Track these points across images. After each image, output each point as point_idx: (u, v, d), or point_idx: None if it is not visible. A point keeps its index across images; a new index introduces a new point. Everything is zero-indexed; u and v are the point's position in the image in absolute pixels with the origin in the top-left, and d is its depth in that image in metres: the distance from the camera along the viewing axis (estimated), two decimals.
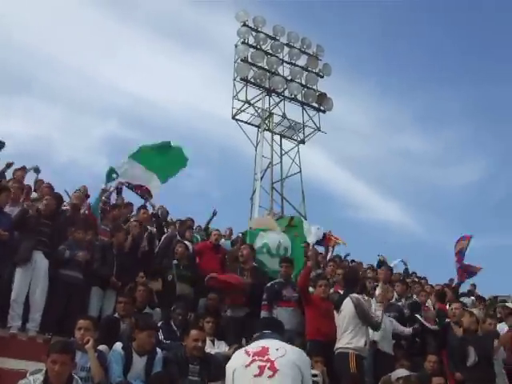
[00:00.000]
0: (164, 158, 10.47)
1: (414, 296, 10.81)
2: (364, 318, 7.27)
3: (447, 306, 10.12)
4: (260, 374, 3.74)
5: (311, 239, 10.54)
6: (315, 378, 5.92)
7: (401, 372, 7.09)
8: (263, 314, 8.09)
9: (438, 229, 54.80)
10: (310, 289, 8.62)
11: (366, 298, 7.78)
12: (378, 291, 8.16)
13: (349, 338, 7.20)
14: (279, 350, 3.89)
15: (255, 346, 4.00)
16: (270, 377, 3.71)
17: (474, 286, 15.82)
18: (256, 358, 3.83)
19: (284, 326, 4.80)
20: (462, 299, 12.74)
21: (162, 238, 10.36)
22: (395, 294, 10.50)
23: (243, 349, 4.05)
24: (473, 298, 13.46)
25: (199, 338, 6.37)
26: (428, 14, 58.23)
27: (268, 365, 3.76)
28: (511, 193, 55.73)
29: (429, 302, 10.57)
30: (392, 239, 48.19)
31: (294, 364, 3.82)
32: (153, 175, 10.33)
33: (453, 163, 58.64)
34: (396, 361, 7.92)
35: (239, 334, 8.06)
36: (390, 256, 14.98)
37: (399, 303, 10.01)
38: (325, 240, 14.05)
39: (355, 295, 7.47)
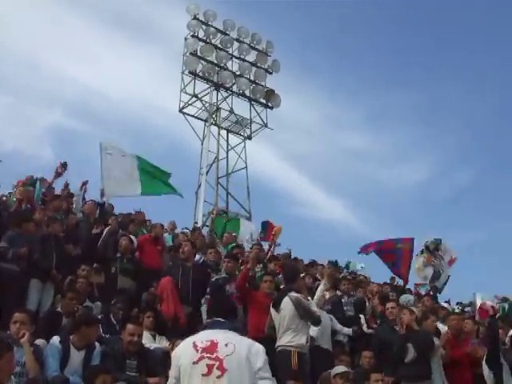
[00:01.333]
0: (156, 178, 11.44)
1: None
2: (306, 315, 7.32)
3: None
4: (208, 374, 3.70)
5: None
6: None
7: (339, 368, 7.14)
8: (204, 307, 8.09)
9: (380, 227, 55.62)
10: None
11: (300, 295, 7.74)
12: (321, 287, 8.23)
13: (291, 337, 7.19)
14: (228, 345, 3.82)
15: (204, 338, 3.90)
16: (218, 377, 3.68)
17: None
18: (204, 354, 3.77)
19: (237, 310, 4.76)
20: (405, 296, 12.95)
21: (105, 230, 10.23)
22: (338, 291, 10.65)
23: (191, 340, 3.92)
24: (411, 296, 13.63)
25: (135, 333, 6.30)
26: (383, 13, 59.02)
27: (217, 364, 3.71)
28: (454, 193, 57.04)
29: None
30: (336, 237, 48.71)
31: (243, 360, 3.78)
32: (138, 181, 10.84)
33: (398, 163, 59.72)
34: (335, 357, 7.94)
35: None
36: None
37: (342, 300, 10.13)
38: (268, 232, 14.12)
39: (294, 294, 7.48)
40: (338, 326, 8.90)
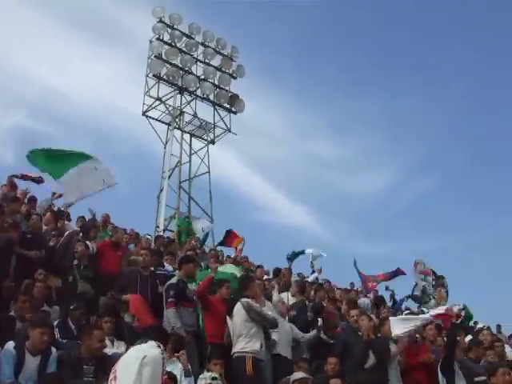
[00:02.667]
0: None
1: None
2: (259, 318, 7.35)
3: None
4: None
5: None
6: (214, 382, 5.89)
7: (298, 375, 7.16)
8: (170, 311, 7.96)
9: (343, 234, 56.04)
10: None
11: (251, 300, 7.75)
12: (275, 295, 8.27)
13: (244, 343, 7.26)
14: (125, 358, 4.24)
15: (121, 358, 4.31)
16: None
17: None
18: (112, 375, 4.15)
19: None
20: (362, 300, 13.04)
21: (65, 234, 10.08)
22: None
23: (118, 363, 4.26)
24: (368, 300, 13.70)
25: (103, 339, 6.27)
26: (349, 18, 59.49)
27: (112, 376, 4.09)
28: (415, 202, 57.67)
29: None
30: (299, 244, 48.77)
31: (131, 359, 4.11)
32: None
33: (361, 170, 60.11)
34: (295, 364, 7.95)
35: None
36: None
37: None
38: (229, 239, 14.09)
39: (245, 299, 7.53)
40: (299, 335, 8.89)
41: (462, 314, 13.24)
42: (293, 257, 15.30)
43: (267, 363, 7.90)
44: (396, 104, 58.04)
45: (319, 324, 9.11)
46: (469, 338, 10.40)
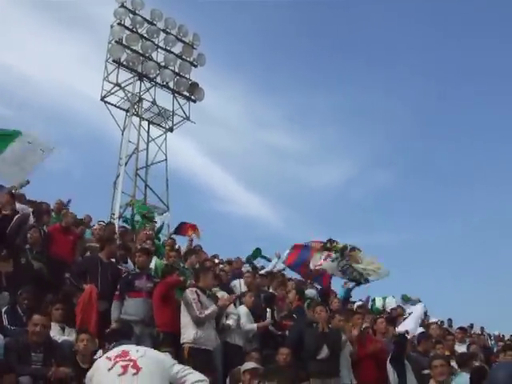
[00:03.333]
0: None
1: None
2: (187, 310, 7.39)
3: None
4: (124, 373, 3.80)
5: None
6: None
7: (249, 365, 7.15)
8: (114, 303, 7.95)
9: (298, 225, 56.34)
10: None
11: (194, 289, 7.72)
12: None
13: (184, 332, 7.36)
14: (139, 350, 4.04)
15: (115, 351, 4.05)
16: (134, 374, 3.79)
17: None
18: (118, 359, 3.90)
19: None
20: (309, 290, 13.10)
21: (15, 217, 9.87)
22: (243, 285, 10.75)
23: (104, 356, 4.09)
24: (314, 291, 13.69)
25: (39, 323, 6.13)
26: (313, 13, 59.59)
27: (131, 364, 3.85)
28: (370, 195, 58.40)
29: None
30: (255, 233, 48.99)
31: (155, 360, 4.00)
32: None
33: (317, 163, 60.61)
34: (246, 354, 7.96)
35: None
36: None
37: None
38: (182, 229, 14.00)
39: (189, 289, 7.56)
40: (249, 327, 8.89)
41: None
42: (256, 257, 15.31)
43: (217, 351, 7.96)
44: (355, 98, 58.66)
45: (268, 316, 9.12)
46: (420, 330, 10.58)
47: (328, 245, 12.03)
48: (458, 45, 58.86)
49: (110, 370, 3.86)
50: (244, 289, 10.28)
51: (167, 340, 7.43)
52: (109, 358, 3.96)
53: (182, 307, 7.53)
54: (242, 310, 8.79)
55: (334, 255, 11.85)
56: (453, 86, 58.52)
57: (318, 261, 11.89)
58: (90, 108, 51.92)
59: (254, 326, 8.77)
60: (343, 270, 11.89)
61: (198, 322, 7.38)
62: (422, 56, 58.61)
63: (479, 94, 59.66)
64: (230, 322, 8.33)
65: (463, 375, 7.58)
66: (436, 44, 58.78)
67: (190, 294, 7.52)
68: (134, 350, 4.04)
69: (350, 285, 13.35)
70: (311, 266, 12.06)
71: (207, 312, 7.42)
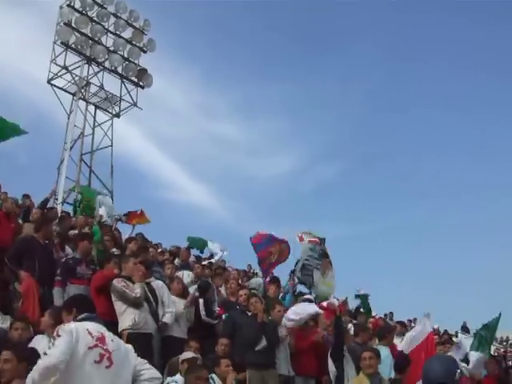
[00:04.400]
0: None
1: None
2: (122, 299, 7.39)
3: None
4: (100, 362, 4.03)
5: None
6: None
7: (187, 354, 7.17)
8: (56, 290, 7.88)
9: (245, 216, 56.57)
10: None
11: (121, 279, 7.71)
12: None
13: (121, 320, 7.36)
14: (114, 341, 4.25)
15: (95, 328, 4.19)
16: (107, 367, 4.04)
17: None
18: (98, 343, 4.07)
19: None
20: (255, 279, 13.17)
21: None
22: (192, 276, 10.75)
23: (85, 327, 4.15)
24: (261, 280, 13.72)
25: None
26: (265, 4, 59.57)
27: (107, 355, 4.07)
28: (318, 186, 58.93)
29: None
30: (200, 222, 48.94)
31: (126, 356, 4.25)
32: None
33: (266, 154, 60.83)
34: (185, 343, 7.96)
35: None
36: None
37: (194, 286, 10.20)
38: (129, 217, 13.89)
39: (115, 280, 7.56)
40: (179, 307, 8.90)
41: (349, 306, 13.62)
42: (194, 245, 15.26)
43: (156, 343, 7.96)
44: (305, 90, 59.02)
45: (200, 305, 9.13)
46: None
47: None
48: (415, 34, 59.61)
49: (90, 348, 4.00)
50: (189, 280, 10.29)
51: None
52: (90, 333, 4.08)
53: (114, 298, 7.48)
54: (171, 297, 8.67)
55: (316, 247, 11.99)
56: (405, 77, 59.40)
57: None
58: (36, 90, 50.78)
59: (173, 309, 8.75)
60: (307, 265, 12.01)
61: (138, 304, 7.37)
62: (374, 54, 59.31)
63: (430, 84, 60.71)
64: (166, 319, 8.27)
65: (382, 349, 7.83)
66: (387, 44, 59.51)
67: (117, 283, 7.47)
68: (110, 339, 4.19)
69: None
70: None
71: (138, 291, 7.39)
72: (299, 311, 9.00)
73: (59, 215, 12.72)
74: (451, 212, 58.32)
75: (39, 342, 6.17)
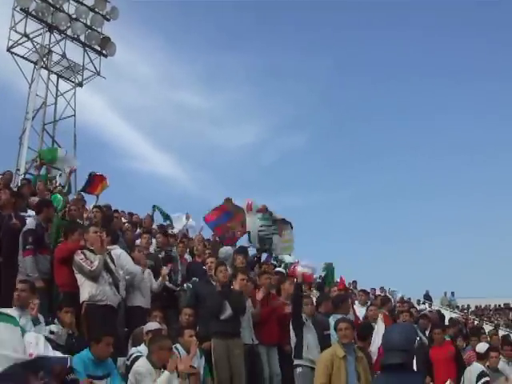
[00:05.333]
0: None
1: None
2: (81, 271, 7.40)
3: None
4: None
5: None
6: (52, 336, 5.78)
7: (152, 325, 7.21)
8: (28, 259, 7.80)
9: (210, 186, 56.53)
10: None
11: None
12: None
13: (81, 291, 7.35)
14: None
15: None
16: None
17: None
18: None
19: None
20: (224, 248, 13.21)
21: None
22: (154, 244, 10.78)
23: None
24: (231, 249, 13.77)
25: None
26: None
27: None
28: (281, 157, 59.07)
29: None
30: (164, 192, 48.77)
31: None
32: None
33: (230, 124, 60.65)
34: (148, 314, 8.00)
35: None
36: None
37: (159, 255, 10.24)
38: (91, 186, 13.72)
39: (75, 252, 7.55)
40: (154, 285, 8.97)
41: (318, 274, 13.77)
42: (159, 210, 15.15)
43: (120, 312, 8.01)
44: (269, 60, 58.79)
45: (165, 272, 9.18)
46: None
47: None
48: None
49: None
50: (151, 249, 10.31)
51: (67, 299, 7.30)
52: None
53: (75, 271, 7.46)
54: (135, 268, 8.70)
55: (266, 215, 11.99)
56: (369, 44, 59.46)
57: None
58: None
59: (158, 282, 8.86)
60: (265, 236, 12.06)
61: (93, 277, 7.34)
62: (336, 27, 59.20)
63: (393, 50, 60.91)
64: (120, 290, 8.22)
65: (336, 316, 8.03)
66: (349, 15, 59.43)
67: (77, 256, 7.44)
68: None
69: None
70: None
71: (95, 263, 7.36)
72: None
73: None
74: (417, 174, 59.06)
75: None
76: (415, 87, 61.47)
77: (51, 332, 5.51)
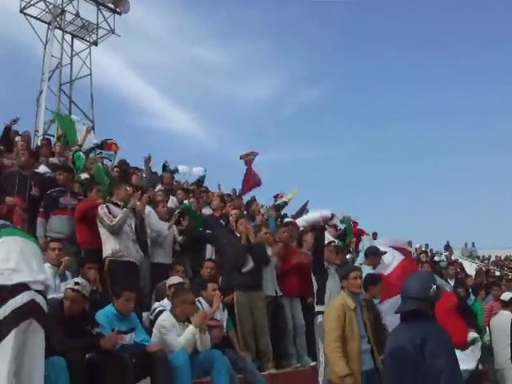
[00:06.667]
0: None
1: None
2: (101, 223, 7.44)
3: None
4: None
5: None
6: (76, 286, 5.82)
7: (174, 279, 7.27)
8: (39, 220, 7.88)
9: (228, 141, 56.44)
10: None
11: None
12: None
13: (104, 247, 7.38)
14: None
15: None
16: None
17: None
18: None
19: None
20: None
21: None
22: (175, 201, 10.85)
23: None
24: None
25: None
26: None
27: None
28: (299, 110, 58.64)
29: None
30: (183, 149, 48.82)
31: None
32: None
33: (246, 78, 60.25)
34: (170, 269, 8.04)
35: None
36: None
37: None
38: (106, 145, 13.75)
39: (99, 206, 7.56)
40: (178, 238, 9.04)
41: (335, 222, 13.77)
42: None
43: (144, 268, 8.06)
44: (283, 13, 57.85)
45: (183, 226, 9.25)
46: None
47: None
48: None
49: None
50: (172, 205, 10.32)
51: (89, 257, 7.37)
52: None
53: (99, 225, 7.47)
54: (162, 226, 8.69)
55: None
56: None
57: None
58: (9, 20, 49.34)
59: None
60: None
61: (113, 231, 7.34)
62: None
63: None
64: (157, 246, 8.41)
65: (365, 268, 8.02)
66: None
67: (100, 209, 7.45)
68: None
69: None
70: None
71: (117, 219, 7.36)
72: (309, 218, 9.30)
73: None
74: (435, 131, 58.44)
75: None
76: (435, 38, 60.18)
77: (76, 283, 5.57)
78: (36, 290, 3.81)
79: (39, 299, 3.81)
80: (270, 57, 60.42)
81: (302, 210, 12.75)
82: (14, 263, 3.85)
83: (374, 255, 8.69)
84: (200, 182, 14.63)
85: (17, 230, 4.36)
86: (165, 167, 14.06)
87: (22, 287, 3.77)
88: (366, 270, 7.77)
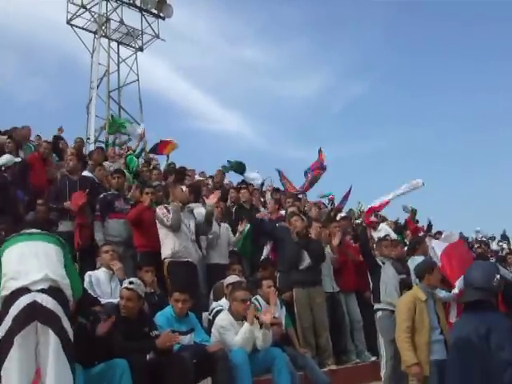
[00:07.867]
0: None
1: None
2: (161, 223, 7.49)
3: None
4: None
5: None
6: (131, 285, 5.82)
7: (231, 278, 7.28)
8: (97, 223, 7.99)
9: (277, 140, 56.30)
10: None
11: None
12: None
13: (163, 248, 7.44)
14: None
15: None
16: None
17: None
18: None
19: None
20: None
21: None
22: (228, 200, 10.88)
23: None
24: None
25: None
26: None
27: None
28: (348, 106, 58.08)
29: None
30: (233, 149, 48.94)
31: None
32: None
33: (293, 76, 59.78)
34: (227, 268, 8.05)
35: None
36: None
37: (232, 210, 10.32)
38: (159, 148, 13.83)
39: (158, 207, 7.65)
40: (232, 238, 9.05)
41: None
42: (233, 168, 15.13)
43: (201, 268, 8.09)
44: (326, 8, 57.42)
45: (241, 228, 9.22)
46: None
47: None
48: None
49: None
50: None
51: (145, 259, 7.48)
52: None
53: (158, 225, 7.55)
54: (216, 227, 8.69)
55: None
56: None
57: None
58: (56, 33, 50.18)
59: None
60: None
61: (173, 229, 7.42)
62: None
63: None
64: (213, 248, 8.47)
65: (415, 259, 7.84)
66: None
67: (159, 210, 7.54)
68: None
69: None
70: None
71: (170, 216, 7.43)
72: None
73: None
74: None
75: None
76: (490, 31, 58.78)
77: (130, 282, 5.63)
78: (40, 289, 3.84)
79: (41, 298, 3.80)
80: (314, 53, 59.95)
81: (347, 197, 12.56)
82: (12, 272, 3.94)
83: (419, 244, 8.52)
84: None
85: (29, 235, 4.38)
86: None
87: (21, 292, 3.81)
88: (417, 260, 7.62)
